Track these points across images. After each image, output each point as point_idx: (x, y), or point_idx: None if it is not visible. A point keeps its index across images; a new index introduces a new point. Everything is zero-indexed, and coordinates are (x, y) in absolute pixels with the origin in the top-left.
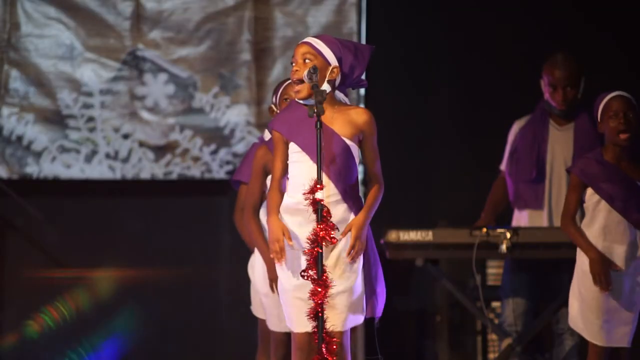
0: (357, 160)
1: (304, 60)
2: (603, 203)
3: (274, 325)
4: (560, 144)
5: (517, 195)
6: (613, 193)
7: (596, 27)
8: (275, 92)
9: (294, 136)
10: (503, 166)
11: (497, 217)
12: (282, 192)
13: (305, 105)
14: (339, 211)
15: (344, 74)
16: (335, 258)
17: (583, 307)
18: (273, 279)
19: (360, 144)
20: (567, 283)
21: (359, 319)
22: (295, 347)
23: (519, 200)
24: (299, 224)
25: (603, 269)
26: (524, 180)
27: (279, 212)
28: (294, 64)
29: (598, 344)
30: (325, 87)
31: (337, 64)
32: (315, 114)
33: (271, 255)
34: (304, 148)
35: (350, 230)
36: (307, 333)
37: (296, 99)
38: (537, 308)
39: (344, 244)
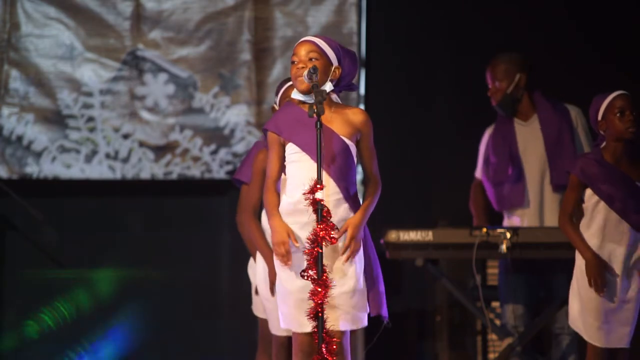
0: (355, 160)
1: (310, 58)
2: (602, 204)
3: (275, 329)
4: (530, 139)
5: (500, 197)
6: (612, 194)
7: (594, 30)
8: (277, 91)
9: (292, 136)
10: (478, 173)
11: (488, 217)
12: (278, 193)
13: (303, 102)
14: (340, 210)
15: (341, 76)
16: (336, 258)
17: (582, 308)
18: (274, 282)
19: (357, 143)
20: (566, 283)
21: (362, 320)
22: (297, 348)
23: (502, 202)
24: (299, 225)
25: (598, 271)
26: (502, 180)
27: (279, 212)
28: (296, 62)
29: (597, 345)
30: (328, 86)
31: (338, 65)
32: (315, 114)
33: (277, 259)
34: (304, 147)
35: (346, 229)
36: (308, 334)
37: (293, 96)
38: (535, 308)
39: (345, 242)
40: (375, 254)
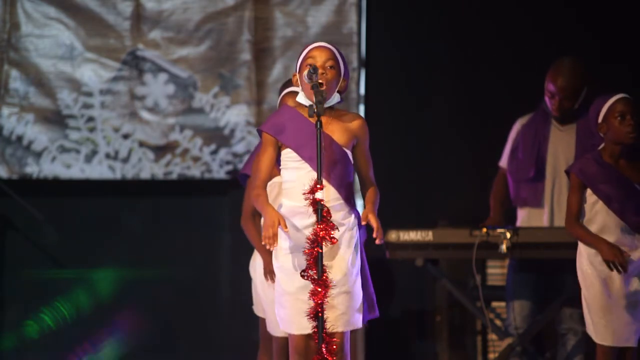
0: (352, 166)
1: (329, 66)
2: (601, 204)
3: (274, 330)
4: (562, 145)
5: (517, 193)
6: (611, 194)
7: (594, 31)
8: (280, 93)
9: (291, 144)
10: (503, 163)
11: (505, 213)
12: (266, 192)
13: (303, 104)
14: (340, 215)
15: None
16: (336, 258)
17: (588, 308)
18: (269, 271)
19: (353, 149)
20: (570, 283)
21: (358, 321)
22: (293, 351)
23: (518, 199)
24: (300, 227)
25: (615, 254)
26: (523, 179)
27: (270, 204)
28: (312, 64)
29: (604, 344)
30: (336, 97)
31: (343, 77)
32: (315, 114)
33: (263, 242)
34: (305, 158)
35: (367, 217)
36: (304, 336)
37: (298, 99)
38: (542, 309)
39: (345, 244)
40: (365, 256)
